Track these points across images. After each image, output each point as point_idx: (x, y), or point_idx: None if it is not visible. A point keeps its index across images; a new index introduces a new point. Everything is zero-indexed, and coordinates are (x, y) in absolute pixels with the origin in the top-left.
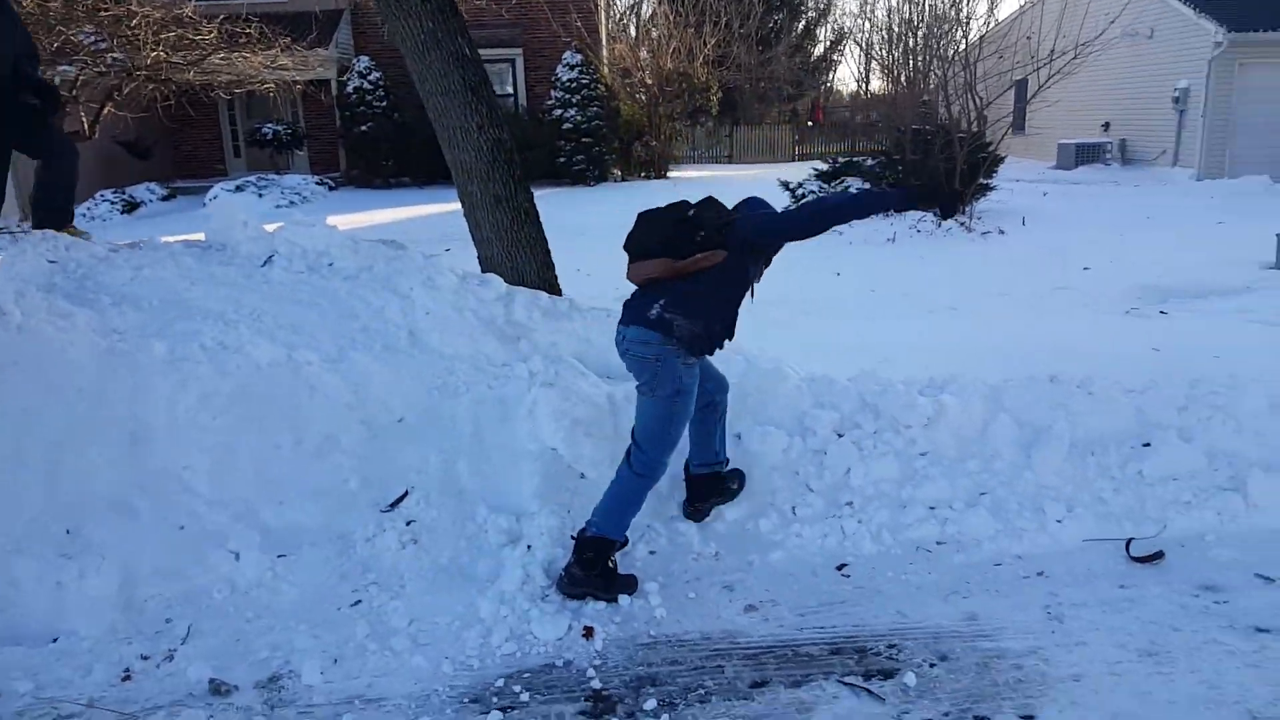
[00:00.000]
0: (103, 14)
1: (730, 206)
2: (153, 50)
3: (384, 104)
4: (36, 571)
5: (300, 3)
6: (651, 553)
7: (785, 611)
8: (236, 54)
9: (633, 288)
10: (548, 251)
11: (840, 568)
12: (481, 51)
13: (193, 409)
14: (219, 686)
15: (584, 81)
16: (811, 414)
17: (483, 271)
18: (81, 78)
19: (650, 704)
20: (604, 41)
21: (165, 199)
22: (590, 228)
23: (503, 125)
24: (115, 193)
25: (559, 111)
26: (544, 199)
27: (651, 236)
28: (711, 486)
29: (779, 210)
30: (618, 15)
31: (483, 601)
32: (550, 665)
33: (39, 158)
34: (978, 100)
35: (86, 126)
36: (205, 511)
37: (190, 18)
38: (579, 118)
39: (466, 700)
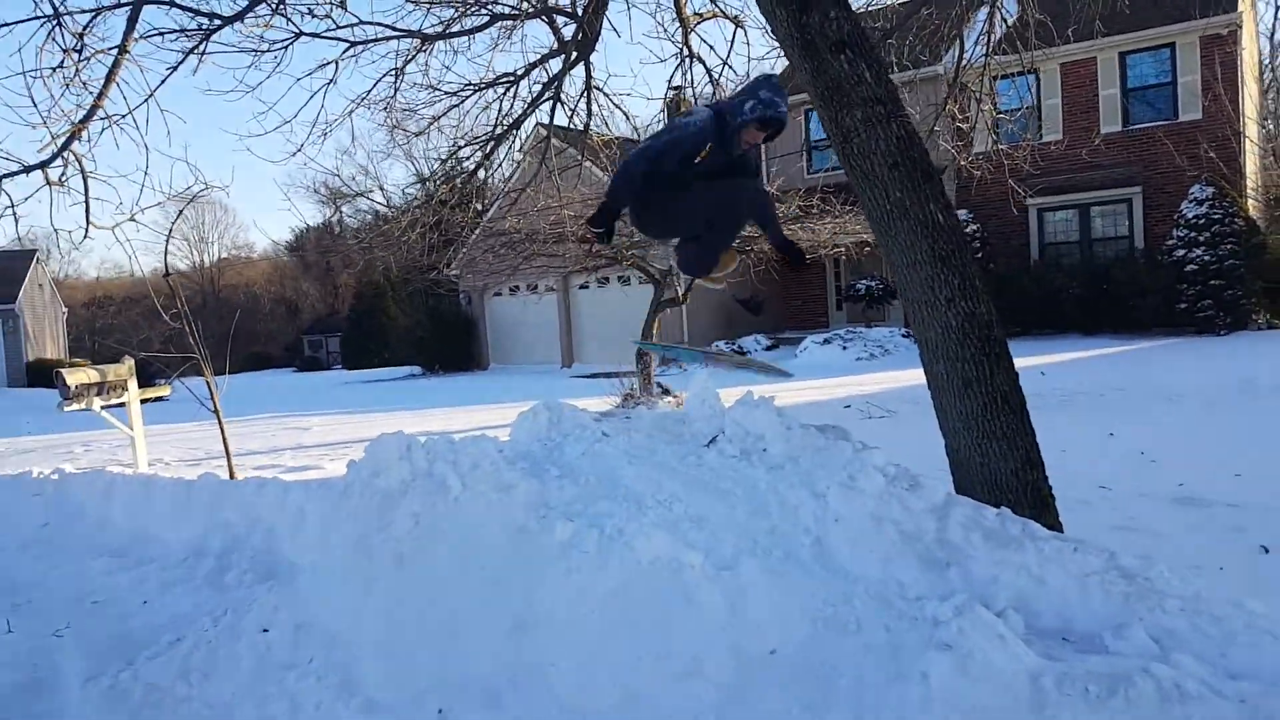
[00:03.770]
0: None
1: None
2: None
3: (979, 255)
4: None
5: None
6: None
7: None
8: (803, 224)
9: None
10: (1031, 445)
11: None
12: (1095, 193)
13: (572, 602)
14: None
15: (1215, 216)
16: None
17: (951, 466)
18: None
19: None
20: (1247, 170)
21: (768, 348)
22: (1188, 393)
23: (979, 298)
24: (727, 343)
25: (1181, 251)
26: (1148, 351)
27: None
28: None
29: None
30: (1270, 134)
31: None
32: None
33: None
34: None
35: (680, 294)
36: (560, 715)
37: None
38: (1206, 257)
39: None
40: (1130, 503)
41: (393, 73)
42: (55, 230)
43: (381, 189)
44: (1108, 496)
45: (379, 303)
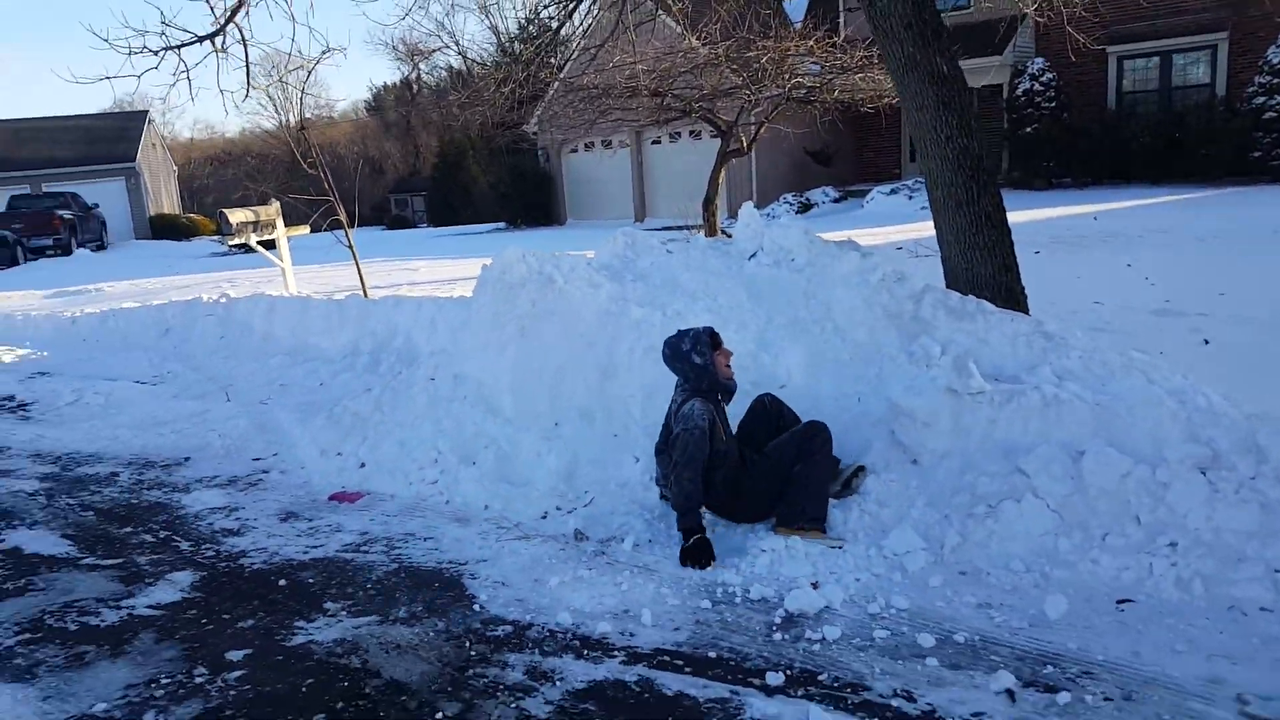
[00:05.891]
0: (751, 54)
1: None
2: (790, 78)
3: (1052, 105)
4: (531, 445)
5: (985, 13)
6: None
7: (1016, 617)
8: (866, 73)
9: None
10: (1009, 254)
11: (1121, 602)
12: (1175, 40)
13: (640, 356)
14: (580, 535)
15: None
16: (1175, 445)
17: (944, 271)
18: (742, 107)
19: None
20: None
21: (836, 201)
22: (1224, 235)
23: (972, 135)
24: (796, 195)
25: (1261, 99)
26: (1207, 199)
27: None
28: None
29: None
30: None
31: None
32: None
33: None
34: None
35: (745, 145)
36: (633, 426)
37: (835, 44)
38: None
39: None
40: (1115, 313)
41: None
42: (221, 91)
43: (457, 44)
44: (1097, 309)
45: (461, 161)
